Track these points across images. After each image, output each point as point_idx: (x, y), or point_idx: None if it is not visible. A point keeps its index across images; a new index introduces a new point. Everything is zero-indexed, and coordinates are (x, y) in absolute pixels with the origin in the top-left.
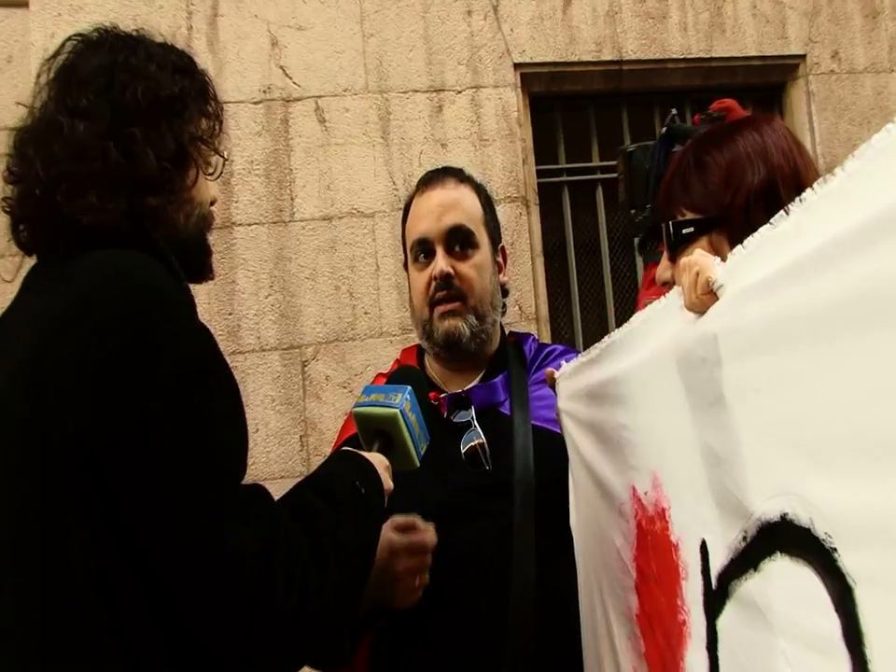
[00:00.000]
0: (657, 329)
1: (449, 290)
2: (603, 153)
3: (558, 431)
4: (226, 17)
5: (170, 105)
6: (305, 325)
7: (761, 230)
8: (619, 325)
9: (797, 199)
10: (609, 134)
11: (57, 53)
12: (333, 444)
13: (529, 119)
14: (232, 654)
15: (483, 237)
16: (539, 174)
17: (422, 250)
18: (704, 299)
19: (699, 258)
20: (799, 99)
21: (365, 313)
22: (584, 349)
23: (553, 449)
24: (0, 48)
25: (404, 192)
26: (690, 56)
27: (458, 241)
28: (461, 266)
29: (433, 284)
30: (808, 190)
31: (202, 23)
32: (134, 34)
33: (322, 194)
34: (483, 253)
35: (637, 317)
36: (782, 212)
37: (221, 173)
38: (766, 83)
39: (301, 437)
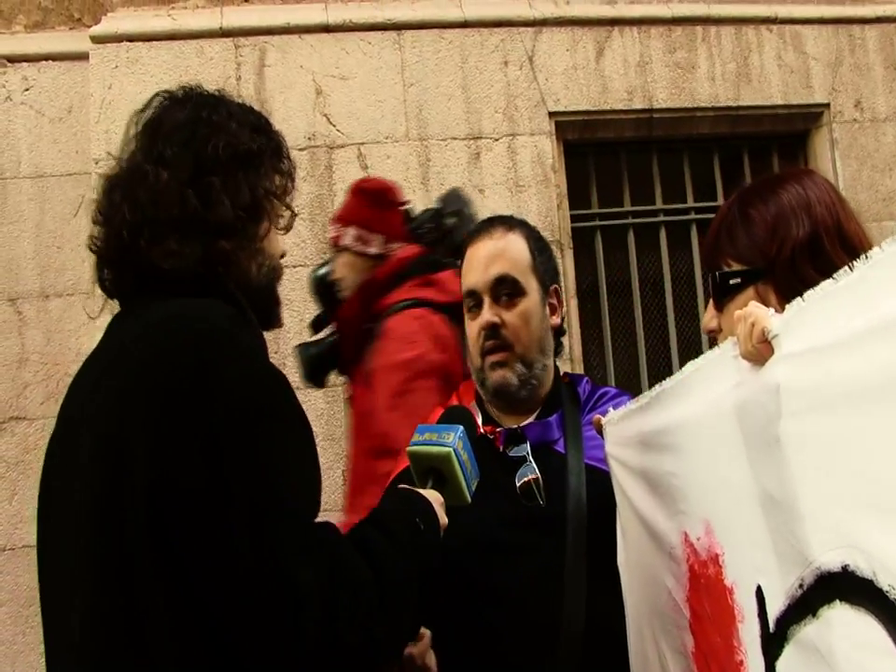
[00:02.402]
0: (710, 377)
1: (496, 340)
2: (634, 198)
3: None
4: (272, 67)
5: (247, 159)
6: None
7: (822, 283)
8: (650, 364)
9: (862, 256)
10: (640, 180)
11: (145, 108)
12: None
13: (563, 165)
14: None
15: (530, 283)
16: (573, 218)
17: (472, 301)
18: (759, 348)
19: (754, 309)
20: (823, 146)
21: None
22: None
23: (604, 487)
24: (62, 98)
25: None
26: (718, 105)
27: (504, 290)
28: (508, 315)
29: (482, 334)
30: (875, 248)
31: (250, 73)
32: (216, 93)
33: None
34: (531, 299)
35: (690, 366)
36: (846, 268)
37: (291, 227)
38: (791, 131)
39: (343, 471)
